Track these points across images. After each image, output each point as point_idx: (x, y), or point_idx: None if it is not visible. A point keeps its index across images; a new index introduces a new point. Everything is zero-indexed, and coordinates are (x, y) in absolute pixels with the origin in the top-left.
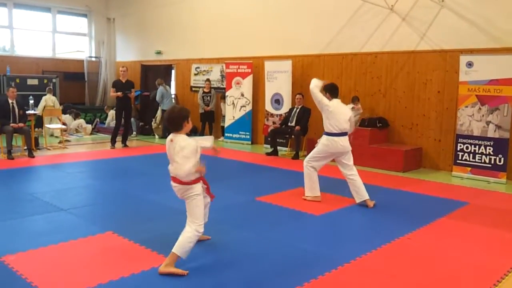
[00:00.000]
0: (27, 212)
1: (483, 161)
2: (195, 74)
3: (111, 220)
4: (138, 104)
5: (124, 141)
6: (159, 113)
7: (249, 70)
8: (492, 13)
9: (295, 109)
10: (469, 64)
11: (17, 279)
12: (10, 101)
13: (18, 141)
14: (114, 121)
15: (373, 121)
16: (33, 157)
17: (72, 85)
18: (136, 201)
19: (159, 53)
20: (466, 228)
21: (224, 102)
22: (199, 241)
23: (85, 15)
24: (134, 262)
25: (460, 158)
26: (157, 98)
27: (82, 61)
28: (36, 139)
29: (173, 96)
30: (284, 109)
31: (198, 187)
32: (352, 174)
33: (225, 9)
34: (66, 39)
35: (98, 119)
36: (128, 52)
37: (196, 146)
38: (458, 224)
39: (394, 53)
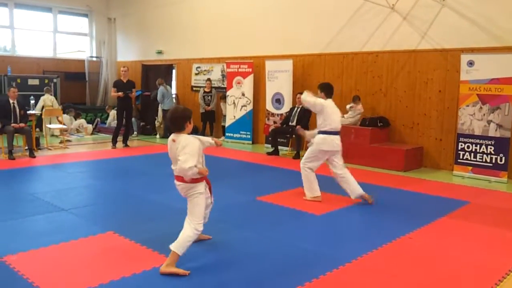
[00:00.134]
0: (28, 212)
1: (484, 160)
2: (196, 74)
3: (112, 220)
4: (139, 104)
5: (125, 141)
6: (160, 112)
7: (250, 70)
8: (493, 12)
9: (296, 109)
10: (470, 63)
11: (18, 279)
12: (11, 101)
13: (19, 141)
14: (115, 121)
15: (374, 120)
16: (34, 157)
17: (73, 85)
18: (137, 201)
19: (160, 52)
20: (467, 228)
21: (224, 102)
22: (200, 241)
23: (86, 15)
24: (135, 262)
25: (461, 157)
26: (158, 98)
27: (83, 61)
28: (37, 139)
29: (174, 96)
30: (285, 108)
31: (202, 186)
32: (344, 172)
33: (226, 8)
34: (67, 39)
35: (99, 119)
36: (129, 52)
37: (199, 144)
38: (459, 224)
39: (395, 52)
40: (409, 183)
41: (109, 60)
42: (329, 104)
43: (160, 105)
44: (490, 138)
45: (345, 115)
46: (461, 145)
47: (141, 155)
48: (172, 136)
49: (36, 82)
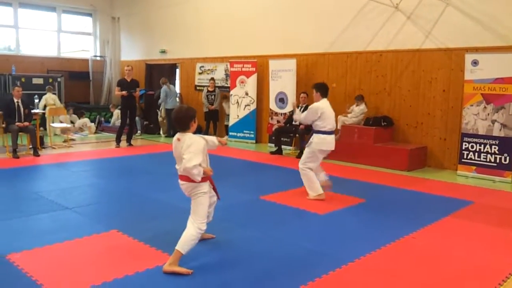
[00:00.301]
0: (32, 211)
1: (488, 160)
2: (200, 73)
3: (116, 219)
4: (142, 103)
5: (129, 140)
6: (163, 109)
7: (254, 69)
8: (498, 11)
9: (299, 108)
10: (475, 63)
11: (22, 277)
12: (15, 100)
13: (24, 140)
14: (119, 120)
15: (378, 119)
16: (38, 155)
17: (77, 84)
18: (141, 199)
19: (163, 52)
20: (471, 228)
21: (226, 102)
22: (204, 240)
23: (90, 15)
24: (139, 260)
25: (465, 157)
26: (161, 97)
27: (87, 60)
28: (41, 138)
29: (178, 94)
30: (289, 108)
31: (206, 186)
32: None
33: (230, 8)
34: (71, 39)
35: (102, 118)
36: (133, 51)
37: (204, 143)
38: (463, 224)
39: (399, 52)
40: (413, 182)
41: (113, 59)
42: (326, 106)
43: (162, 103)
44: (495, 138)
45: (349, 115)
46: (465, 144)
47: (144, 154)
48: (177, 135)
49: (40, 81)
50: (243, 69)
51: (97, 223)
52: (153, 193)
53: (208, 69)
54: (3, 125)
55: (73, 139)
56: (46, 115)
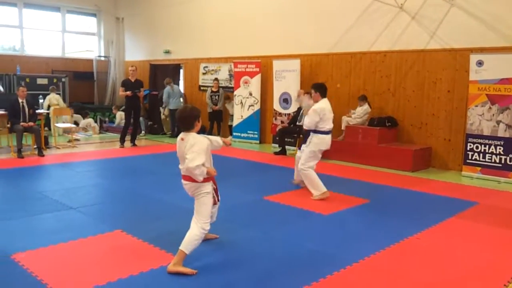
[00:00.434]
0: (37, 210)
1: (493, 160)
2: (204, 74)
3: (120, 219)
4: (146, 103)
5: (133, 140)
6: (166, 110)
7: (257, 69)
8: (503, 11)
9: (303, 109)
10: (479, 63)
11: (27, 276)
12: (20, 100)
13: (28, 140)
14: (123, 121)
15: (382, 120)
16: (43, 155)
17: (81, 84)
18: (145, 199)
19: (167, 52)
20: (476, 229)
21: (229, 102)
22: (207, 240)
23: (94, 15)
24: (143, 260)
25: (470, 157)
26: (164, 98)
27: (91, 60)
28: (46, 138)
29: (182, 94)
30: (293, 108)
31: (209, 186)
32: None
33: (234, 8)
34: (76, 39)
35: (107, 119)
36: (137, 52)
37: (207, 143)
38: (467, 224)
39: (404, 52)
40: (417, 183)
41: (117, 59)
42: (326, 107)
43: (164, 104)
44: (499, 139)
45: (353, 115)
46: (470, 145)
47: (149, 154)
48: (181, 135)
49: (45, 81)
50: (247, 70)
51: (101, 223)
52: (157, 193)
53: (212, 70)
54: (8, 125)
55: (77, 139)
56: (50, 115)
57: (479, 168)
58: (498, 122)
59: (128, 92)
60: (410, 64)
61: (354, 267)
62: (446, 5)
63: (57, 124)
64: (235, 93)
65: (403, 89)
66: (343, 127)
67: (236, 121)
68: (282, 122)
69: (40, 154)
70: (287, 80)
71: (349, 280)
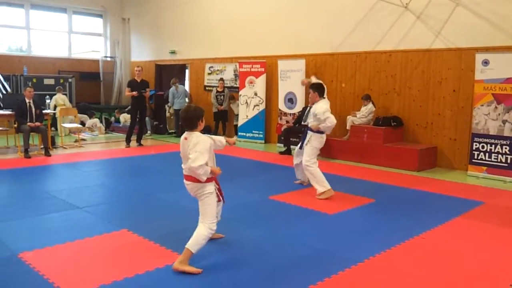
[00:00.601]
0: (43, 210)
1: (499, 160)
2: (209, 74)
3: (126, 218)
4: (152, 103)
5: (138, 140)
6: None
7: (263, 69)
8: (509, 10)
9: (308, 108)
10: (485, 62)
11: (34, 275)
12: (27, 100)
13: (35, 140)
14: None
15: (388, 120)
16: (50, 155)
17: (88, 84)
18: (151, 199)
19: (173, 52)
20: (482, 228)
21: (233, 102)
22: (213, 239)
23: (100, 16)
24: (149, 259)
25: (475, 157)
26: (169, 98)
27: (98, 61)
28: (53, 138)
29: (187, 93)
30: (298, 108)
31: (211, 186)
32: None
33: (239, 8)
34: (82, 39)
35: (113, 118)
36: (143, 52)
37: (210, 143)
38: (473, 224)
39: (409, 52)
40: (423, 183)
41: (123, 60)
42: (328, 108)
43: (169, 104)
44: (505, 138)
45: (358, 115)
46: (476, 145)
47: (154, 154)
48: (185, 134)
49: (51, 81)
50: (252, 70)
51: (107, 222)
52: (163, 193)
53: (217, 70)
54: (15, 125)
55: (83, 139)
56: (56, 116)
57: (485, 168)
58: (504, 122)
59: (134, 92)
60: (415, 63)
61: (359, 267)
62: (451, 5)
63: (63, 124)
64: (240, 93)
65: (408, 88)
66: (348, 127)
67: (241, 121)
68: (287, 121)
69: (47, 154)
70: (292, 80)
71: (355, 280)
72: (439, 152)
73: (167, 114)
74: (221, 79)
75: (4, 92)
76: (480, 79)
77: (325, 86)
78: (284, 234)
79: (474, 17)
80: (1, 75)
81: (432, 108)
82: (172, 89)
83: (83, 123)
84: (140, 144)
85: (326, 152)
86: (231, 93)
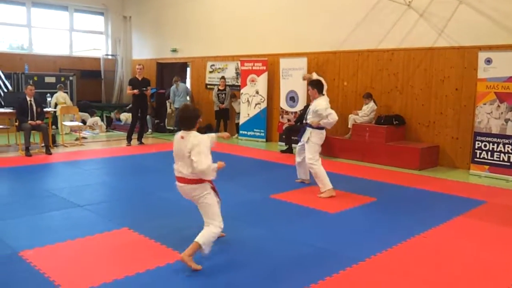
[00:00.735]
0: (44, 208)
1: (501, 159)
2: (210, 72)
3: (127, 216)
4: (153, 101)
5: (139, 139)
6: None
7: (264, 68)
8: None
9: (310, 107)
10: (488, 61)
11: (35, 273)
12: (28, 98)
13: (36, 138)
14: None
15: (390, 118)
16: (51, 154)
17: (89, 82)
18: (152, 197)
19: (174, 51)
20: (483, 227)
21: (235, 101)
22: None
23: (101, 13)
24: (150, 258)
25: (478, 156)
26: (170, 96)
27: (99, 59)
28: (54, 136)
29: (188, 91)
30: (299, 106)
31: (208, 185)
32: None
33: (240, 6)
34: (83, 37)
35: (113, 114)
36: (144, 50)
37: (209, 141)
38: (475, 223)
39: (411, 50)
40: (425, 182)
41: (124, 58)
42: (328, 105)
43: (170, 102)
44: (508, 137)
45: (359, 114)
46: (478, 143)
47: (155, 153)
48: (181, 133)
49: (52, 80)
50: (254, 68)
51: (108, 220)
52: (164, 191)
53: (219, 68)
54: (16, 124)
55: (84, 138)
56: (57, 114)
57: (487, 167)
58: (506, 120)
59: (135, 90)
60: (418, 62)
61: (360, 266)
62: (454, 3)
63: (64, 123)
64: (241, 91)
65: (411, 87)
66: (350, 125)
67: (242, 120)
68: (288, 120)
69: (48, 152)
70: (294, 78)
71: (356, 279)
72: (441, 151)
73: (168, 111)
74: (223, 77)
75: (5, 90)
76: (483, 78)
77: (324, 83)
78: (285, 232)
79: (477, 15)
80: (2, 73)
81: (434, 106)
82: (173, 88)
83: (84, 122)
84: (141, 143)
85: (327, 151)
86: (233, 92)
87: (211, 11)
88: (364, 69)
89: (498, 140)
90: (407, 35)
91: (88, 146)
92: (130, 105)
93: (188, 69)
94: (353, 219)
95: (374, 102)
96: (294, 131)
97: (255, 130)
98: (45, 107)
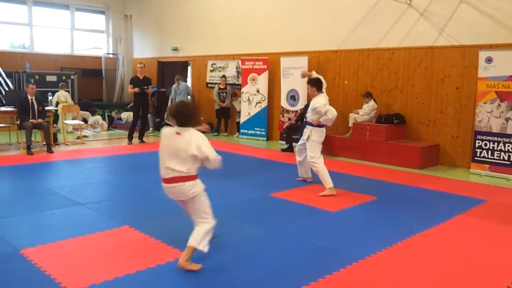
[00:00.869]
0: (45, 206)
1: (502, 158)
2: (211, 71)
3: (127, 215)
4: (154, 100)
5: (141, 137)
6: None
7: (265, 66)
8: None
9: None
10: (489, 60)
11: (36, 271)
12: (29, 97)
13: (37, 136)
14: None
15: (390, 117)
16: (52, 152)
17: (90, 81)
18: (153, 196)
19: (175, 49)
20: (484, 226)
21: (235, 100)
22: (212, 239)
23: (102, 12)
24: (150, 256)
25: (478, 155)
26: (171, 95)
27: (100, 57)
28: (55, 135)
29: (189, 89)
30: (300, 105)
31: (200, 181)
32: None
33: (241, 5)
34: (84, 36)
35: (116, 116)
36: (145, 49)
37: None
38: (475, 222)
39: (412, 49)
40: (425, 180)
41: (125, 56)
42: (328, 102)
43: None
44: (508, 136)
45: (360, 112)
46: (479, 142)
47: (156, 151)
48: (176, 129)
49: (54, 78)
50: (255, 67)
51: (109, 219)
52: None
53: (220, 67)
54: (18, 122)
55: (86, 136)
56: (58, 112)
57: (487, 166)
58: (507, 119)
59: (137, 89)
60: (418, 61)
61: (360, 264)
62: (455, 1)
63: (66, 121)
64: (242, 90)
65: (411, 86)
66: (350, 124)
67: (243, 118)
68: (289, 119)
69: (49, 150)
70: (295, 77)
71: (355, 277)
72: (442, 149)
73: (169, 105)
74: (224, 76)
75: (7, 88)
76: (483, 77)
77: (323, 81)
78: (285, 231)
79: (477, 14)
80: (4, 71)
81: (435, 105)
82: (174, 86)
83: (85, 120)
84: (142, 141)
85: (328, 149)
86: (233, 90)
87: (212, 10)
88: (365, 68)
89: (499, 139)
90: (407, 34)
91: (89, 144)
92: (131, 104)
93: (189, 68)
94: (353, 217)
95: (374, 101)
96: (295, 130)
97: (255, 129)
98: (46, 106)
